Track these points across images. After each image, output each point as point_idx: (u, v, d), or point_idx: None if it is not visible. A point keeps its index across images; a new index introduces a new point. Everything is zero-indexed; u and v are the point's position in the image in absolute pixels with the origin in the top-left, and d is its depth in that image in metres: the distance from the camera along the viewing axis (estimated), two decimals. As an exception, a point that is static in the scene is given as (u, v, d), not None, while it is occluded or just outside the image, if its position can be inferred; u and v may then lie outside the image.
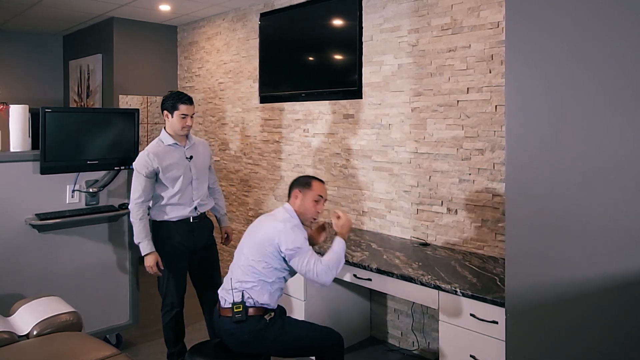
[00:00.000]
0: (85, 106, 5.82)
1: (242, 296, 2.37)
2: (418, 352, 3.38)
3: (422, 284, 2.51)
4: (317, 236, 2.72)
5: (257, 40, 4.54)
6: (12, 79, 6.03)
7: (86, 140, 3.18)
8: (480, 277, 2.53)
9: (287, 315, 2.70)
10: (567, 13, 1.79)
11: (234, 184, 4.93)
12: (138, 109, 3.43)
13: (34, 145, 3.17)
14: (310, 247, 2.44)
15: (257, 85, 4.59)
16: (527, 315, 1.92)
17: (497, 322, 2.22)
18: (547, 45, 1.84)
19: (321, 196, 2.53)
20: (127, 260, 3.48)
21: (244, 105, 4.78)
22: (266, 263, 2.38)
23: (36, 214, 3.09)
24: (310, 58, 4.10)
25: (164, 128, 3.03)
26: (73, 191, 3.26)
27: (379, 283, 2.76)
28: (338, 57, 3.86)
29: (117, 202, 3.41)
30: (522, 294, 1.93)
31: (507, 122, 1.98)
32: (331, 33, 3.89)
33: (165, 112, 2.99)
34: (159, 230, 2.98)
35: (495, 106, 2.93)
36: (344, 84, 3.77)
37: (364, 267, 2.79)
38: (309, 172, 4.07)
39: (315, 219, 2.57)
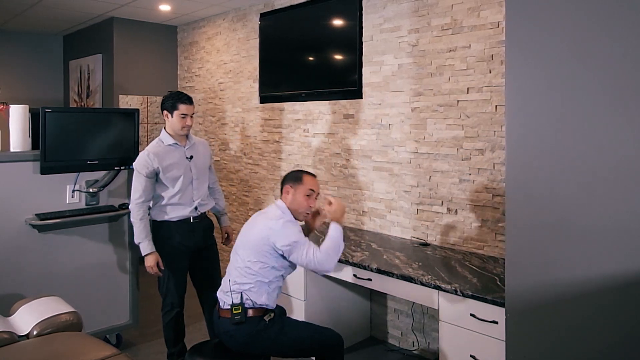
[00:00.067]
0: (85, 106, 5.82)
1: (241, 297, 2.36)
2: (418, 352, 3.38)
3: (422, 284, 2.51)
4: (313, 222, 2.66)
5: (257, 40, 4.54)
6: (12, 79, 6.03)
7: (86, 140, 3.18)
8: (481, 277, 2.53)
9: (287, 315, 2.70)
10: (567, 13, 1.79)
11: (234, 184, 4.93)
12: (138, 109, 3.43)
13: (34, 145, 3.17)
14: (307, 238, 2.42)
15: (257, 85, 4.59)
16: (527, 315, 1.92)
17: (497, 322, 2.22)
18: (547, 45, 1.84)
19: (313, 190, 2.50)
20: (127, 261, 3.48)
21: (244, 105, 4.78)
22: (262, 263, 2.37)
23: (36, 214, 3.09)
24: (311, 58, 4.10)
25: (164, 128, 3.04)
26: (73, 191, 3.26)
27: (379, 283, 2.76)
28: (338, 57, 3.86)
29: (117, 202, 3.41)
30: (522, 294, 1.93)
31: (507, 122, 1.98)
32: (331, 33, 3.89)
33: (165, 112, 2.99)
34: (160, 230, 2.98)
35: (496, 106, 2.93)
36: (344, 84, 3.77)
37: (364, 267, 2.79)
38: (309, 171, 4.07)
39: (308, 214, 2.54)
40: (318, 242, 3.26)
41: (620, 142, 1.68)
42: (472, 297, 2.31)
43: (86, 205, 3.30)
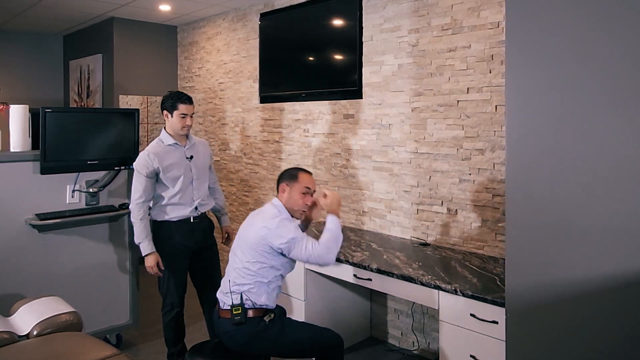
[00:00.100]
0: (86, 106, 5.82)
1: (241, 298, 2.36)
2: (418, 352, 3.38)
3: (422, 284, 2.51)
4: (310, 213, 2.64)
5: (257, 40, 4.54)
6: (12, 79, 6.03)
7: (86, 140, 3.18)
8: (481, 277, 2.53)
9: (287, 316, 2.70)
10: (567, 13, 1.79)
11: (234, 184, 4.93)
12: (138, 109, 3.43)
13: (34, 145, 3.17)
14: (304, 233, 2.42)
15: (257, 85, 4.59)
16: (527, 315, 1.92)
17: (497, 322, 2.22)
18: (547, 45, 1.84)
19: (308, 188, 2.48)
20: (127, 261, 3.48)
21: (244, 105, 4.78)
22: (261, 263, 2.37)
23: (36, 214, 3.09)
24: (311, 58, 4.10)
25: (164, 128, 3.04)
26: (73, 191, 3.26)
27: (379, 283, 2.76)
28: (338, 57, 3.86)
29: (118, 202, 3.41)
30: (522, 294, 1.93)
31: (507, 122, 1.98)
32: (331, 33, 3.89)
33: (165, 112, 2.99)
34: (160, 230, 2.98)
35: (496, 106, 2.93)
36: (344, 84, 3.77)
37: (364, 267, 2.79)
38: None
39: (304, 212, 2.53)
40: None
41: (620, 142, 1.68)
42: (472, 297, 2.31)
43: (86, 205, 3.30)
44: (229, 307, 2.36)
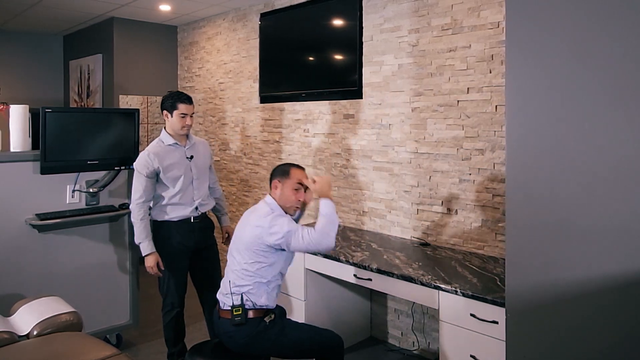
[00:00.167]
0: (86, 106, 5.83)
1: (241, 299, 2.36)
2: (418, 352, 3.38)
3: (422, 284, 2.51)
4: (305, 198, 2.57)
5: (258, 40, 4.54)
6: (13, 79, 6.03)
7: (86, 140, 3.18)
8: (481, 277, 2.53)
9: (288, 316, 2.70)
10: (567, 13, 1.79)
11: (234, 184, 4.93)
12: (138, 109, 3.43)
13: (34, 145, 3.17)
14: (299, 224, 2.40)
15: (257, 85, 4.59)
16: (527, 315, 1.92)
17: (497, 322, 2.22)
18: (547, 45, 1.84)
19: (300, 184, 2.46)
20: (127, 261, 3.48)
21: (244, 105, 4.78)
22: (260, 263, 2.36)
23: (36, 214, 3.09)
24: (311, 58, 4.10)
25: (164, 128, 3.04)
26: (73, 191, 3.26)
27: (379, 283, 2.76)
28: (338, 57, 3.86)
29: (118, 202, 3.41)
30: (522, 294, 1.93)
31: (507, 122, 1.98)
32: (331, 33, 3.89)
33: (165, 112, 2.99)
34: (160, 230, 2.98)
35: (496, 106, 2.93)
36: (344, 84, 3.77)
37: (364, 267, 2.78)
38: (309, 172, 4.07)
39: (298, 208, 2.50)
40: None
41: (620, 142, 1.68)
42: (472, 297, 2.31)
43: (86, 205, 3.30)
44: (230, 308, 2.36)
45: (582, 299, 1.78)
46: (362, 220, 3.72)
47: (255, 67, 4.60)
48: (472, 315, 2.32)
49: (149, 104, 5.47)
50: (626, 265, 1.68)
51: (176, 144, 3.00)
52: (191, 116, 3.00)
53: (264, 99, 4.55)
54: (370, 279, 2.79)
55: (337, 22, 3.84)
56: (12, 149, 3.15)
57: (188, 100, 2.99)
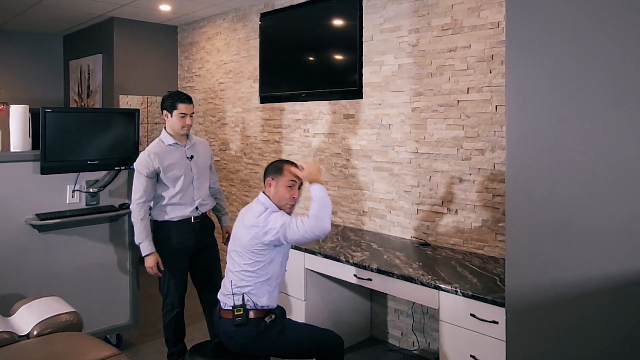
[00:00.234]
0: (86, 106, 5.83)
1: (242, 299, 2.36)
2: (418, 352, 3.38)
3: (422, 284, 2.51)
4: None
5: (258, 40, 4.54)
6: (13, 79, 6.03)
7: (86, 140, 3.18)
8: (481, 277, 2.53)
9: (288, 316, 2.69)
10: (567, 13, 1.79)
11: (235, 184, 4.93)
12: (138, 109, 3.43)
13: (34, 145, 3.17)
14: (292, 215, 2.38)
15: (257, 85, 4.59)
16: (527, 315, 1.92)
17: (497, 322, 2.22)
18: (547, 45, 1.84)
19: (294, 180, 2.43)
20: (127, 261, 3.48)
21: (244, 105, 4.78)
22: (259, 262, 2.35)
23: (36, 214, 3.09)
24: (311, 58, 4.10)
25: (164, 128, 3.04)
26: (73, 191, 3.26)
27: (380, 283, 2.76)
28: (338, 57, 3.86)
29: (118, 202, 3.41)
30: (522, 294, 1.93)
31: (507, 122, 1.98)
32: (331, 33, 3.89)
33: (165, 111, 3.00)
34: (160, 230, 2.98)
35: (496, 106, 2.93)
36: (344, 84, 3.77)
37: (365, 267, 2.79)
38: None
39: (293, 205, 2.47)
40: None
41: (620, 142, 1.68)
42: (473, 297, 2.31)
43: (86, 205, 3.30)
44: (231, 308, 2.35)
45: (582, 299, 1.78)
46: (362, 220, 3.72)
47: (255, 67, 4.60)
48: (472, 315, 2.32)
49: (149, 104, 5.47)
50: (626, 265, 1.68)
51: (176, 144, 3.00)
52: (191, 116, 3.00)
53: (264, 99, 4.55)
54: (370, 279, 2.79)
55: (337, 22, 3.84)
56: (12, 149, 3.15)
57: (188, 100, 2.99)
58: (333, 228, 3.71)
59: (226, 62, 4.98)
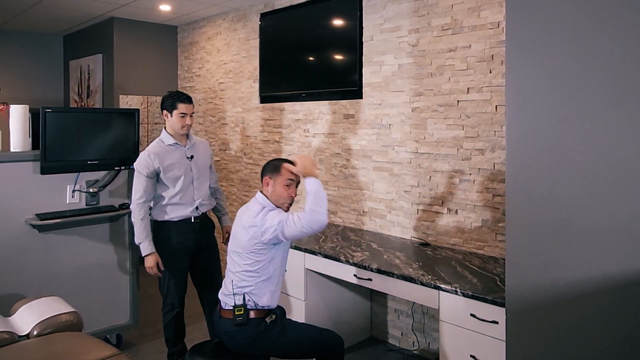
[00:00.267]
0: (86, 106, 5.83)
1: (243, 299, 2.36)
2: (418, 352, 3.38)
3: (422, 284, 2.51)
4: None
5: (258, 40, 4.54)
6: (13, 79, 6.03)
7: (86, 140, 3.18)
8: (481, 277, 2.53)
9: (288, 316, 2.69)
10: (567, 13, 1.79)
11: (235, 184, 4.93)
12: (138, 109, 3.43)
13: (34, 145, 3.17)
14: (289, 212, 2.38)
15: (257, 85, 4.59)
16: (528, 315, 1.92)
17: (497, 322, 2.22)
18: (547, 45, 1.84)
19: (292, 179, 2.42)
20: (127, 261, 3.48)
21: (244, 105, 4.78)
22: (259, 262, 2.35)
23: (36, 214, 3.09)
24: (311, 58, 4.10)
25: (165, 128, 3.04)
26: (73, 191, 3.26)
27: (380, 283, 2.76)
28: (338, 57, 3.86)
29: (118, 202, 3.41)
30: (522, 294, 1.93)
31: (507, 122, 1.98)
32: (331, 33, 3.89)
33: (165, 111, 3.00)
34: (161, 230, 2.98)
35: (496, 106, 2.93)
36: (344, 84, 3.77)
37: (365, 267, 2.78)
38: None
39: (290, 204, 2.46)
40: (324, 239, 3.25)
41: (620, 142, 1.68)
42: (473, 297, 2.31)
43: (86, 205, 3.30)
44: (231, 308, 2.35)
45: (582, 299, 1.78)
46: (362, 220, 3.72)
47: (255, 67, 4.60)
48: (472, 315, 2.32)
49: (149, 104, 5.47)
50: (626, 265, 1.68)
51: (176, 144, 3.00)
52: (191, 116, 3.00)
53: (264, 99, 4.55)
54: (370, 279, 2.79)
55: (337, 22, 3.84)
56: (12, 149, 3.15)
57: (188, 99, 2.99)
58: (333, 228, 3.72)
59: (226, 62, 4.98)
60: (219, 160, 5.09)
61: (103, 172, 3.33)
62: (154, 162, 2.88)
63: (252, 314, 2.35)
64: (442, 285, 2.43)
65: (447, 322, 2.44)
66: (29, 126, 3.20)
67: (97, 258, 3.35)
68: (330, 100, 3.92)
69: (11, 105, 3.20)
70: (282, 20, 4.30)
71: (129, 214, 3.16)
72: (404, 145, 3.42)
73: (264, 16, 4.45)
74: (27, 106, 3.21)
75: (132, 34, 5.39)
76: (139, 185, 2.89)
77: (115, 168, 3.28)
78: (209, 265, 3.12)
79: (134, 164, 2.94)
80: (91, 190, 3.29)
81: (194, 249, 3.04)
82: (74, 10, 4.96)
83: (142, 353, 3.40)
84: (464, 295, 2.34)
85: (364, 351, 3.46)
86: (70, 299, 2.83)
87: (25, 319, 2.45)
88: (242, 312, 2.33)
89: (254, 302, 2.36)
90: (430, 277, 2.54)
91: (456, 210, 3.14)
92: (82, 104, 5.95)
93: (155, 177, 2.92)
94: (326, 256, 3.00)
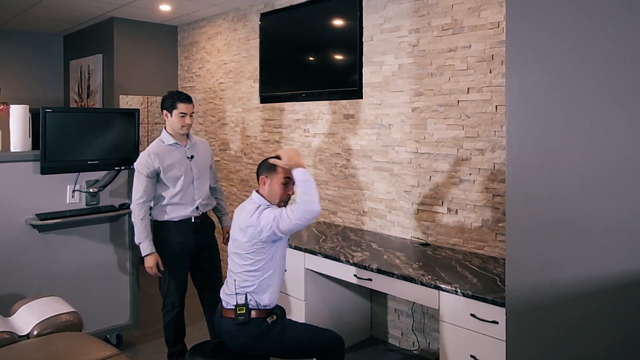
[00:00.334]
0: (86, 106, 5.83)
1: (245, 298, 2.36)
2: (418, 352, 3.38)
3: (422, 284, 2.51)
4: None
5: (258, 40, 4.54)
6: (13, 79, 6.03)
7: (86, 140, 3.18)
8: (481, 277, 2.53)
9: (288, 316, 2.69)
10: (567, 13, 1.79)
11: (235, 184, 4.93)
12: (138, 109, 3.43)
13: (35, 145, 3.17)
14: (282, 207, 2.37)
15: (257, 85, 4.59)
16: (528, 315, 1.92)
17: (497, 322, 2.22)
18: (547, 45, 1.84)
19: (289, 177, 2.40)
20: (127, 261, 3.49)
21: (244, 105, 4.78)
22: (261, 260, 2.35)
23: (36, 214, 3.09)
24: (311, 58, 4.10)
25: (165, 128, 3.04)
26: (73, 191, 3.26)
27: (380, 283, 2.76)
28: (338, 57, 3.86)
29: (118, 202, 3.41)
30: (522, 294, 1.93)
31: (507, 122, 1.98)
32: (332, 33, 3.89)
33: (165, 111, 3.00)
34: (161, 230, 2.98)
35: (496, 106, 2.93)
36: (345, 84, 3.77)
37: (365, 267, 2.78)
38: (310, 172, 4.06)
39: (287, 201, 2.46)
40: (319, 241, 3.26)
41: (620, 142, 1.68)
42: (473, 297, 2.31)
43: (86, 205, 3.30)
44: (233, 307, 2.35)
45: (582, 299, 1.78)
46: (362, 220, 3.72)
47: (256, 67, 4.60)
48: (472, 315, 2.32)
49: (149, 104, 5.47)
50: (626, 265, 1.68)
51: (177, 143, 3.00)
52: (191, 115, 3.00)
53: (264, 99, 4.55)
54: (370, 279, 2.79)
55: (337, 22, 3.84)
56: (12, 149, 3.15)
57: (187, 99, 2.99)
58: (333, 228, 3.72)
59: (226, 62, 4.98)
60: (219, 160, 5.09)
61: (103, 172, 3.33)
62: (154, 162, 2.88)
63: (253, 314, 2.35)
64: (442, 285, 2.43)
65: (447, 322, 2.44)
66: (29, 126, 3.20)
67: (97, 258, 3.35)
68: (330, 100, 3.92)
69: (11, 105, 3.20)
70: (282, 20, 4.30)
71: (129, 214, 3.16)
72: (404, 145, 3.42)
73: (264, 16, 4.45)
74: (27, 106, 3.21)
75: (132, 34, 5.39)
76: (139, 185, 2.89)
77: (115, 168, 3.28)
78: (209, 265, 3.12)
79: (134, 164, 2.94)
80: (91, 190, 3.29)
81: (194, 249, 3.04)
82: (74, 10, 4.96)
83: (142, 353, 3.40)
84: (464, 295, 2.34)
85: (364, 351, 3.46)
86: (70, 299, 2.83)
87: (25, 319, 2.45)
88: (244, 312, 2.33)
89: (256, 301, 2.36)
90: (430, 277, 2.54)
91: (456, 210, 3.14)
92: (82, 104, 5.95)
93: (156, 177, 2.92)
94: (326, 256, 3.00)
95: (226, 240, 3.29)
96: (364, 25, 3.64)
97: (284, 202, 2.44)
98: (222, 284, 2.53)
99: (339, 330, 3.02)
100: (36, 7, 4.79)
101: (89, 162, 3.18)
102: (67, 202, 3.23)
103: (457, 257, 2.92)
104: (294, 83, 4.21)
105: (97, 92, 5.63)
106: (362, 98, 3.68)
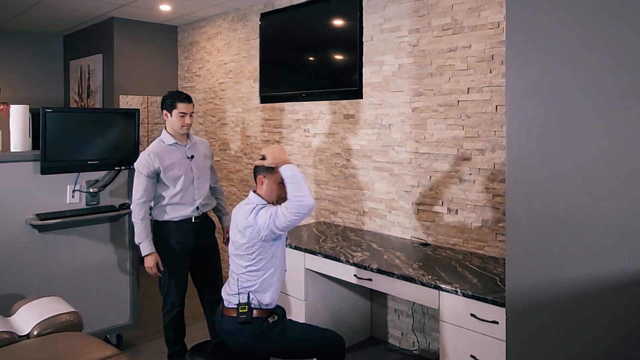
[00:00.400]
0: (86, 106, 5.83)
1: (248, 297, 2.36)
2: (418, 352, 3.38)
3: (422, 284, 2.51)
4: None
5: (258, 40, 4.54)
6: (13, 79, 6.03)
7: (87, 140, 3.18)
8: (481, 277, 2.53)
9: (288, 316, 2.69)
10: (567, 13, 1.79)
11: (235, 184, 4.93)
12: (138, 109, 3.43)
13: (35, 145, 3.17)
14: (276, 205, 2.37)
15: (257, 85, 4.59)
16: (528, 315, 1.92)
17: (497, 322, 2.22)
18: (548, 45, 1.84)
19: None
20: (127, 261, 3.48)
21: (244, 105, 4.78)
22: (262, 260, 2.35)
23: (36, 214, 3.09)
24: (311, 58, 4.10)
25: (165, 128, 3.04)
26: (73, 191, 3.26)
27: (380, 283, 2.76)
28: (338, 57, 3.86)
29: (118, 202, 3.41)
30: (522, 294, 1.93)
31: (507, 122, 1.98)
32: (332, 33, 3.89)
33: (165, 111, 3.00)
34: (161, 230, 2.98)
35: (496, 106, 2.93)
36: (345, 84, 3.77)
37: (365, 267, 2.79)
38: (310, 172, 4.08)
39: (285, 200, 2.42)
40: (318, 242, 3.26)
41: (620, 142, 1.68)
42: (473, 297, 2.31)
43: (86, 205, 3.30)
44: (235, 306, 2.36)
45: (582, 299, 1.78)
46: (362, 220, 3.72)
47: (256, 67, 4.60)
48: (472, 315, 2.32)
49: (149, 104, 5.47)
50: (626, 265, 1.68)
51: (177, 143, 3.00)
52: (191, 115, 3.00)
53: (264, 99, 4.55)
54: (370, 279, 2.79)
55: (338, 22, 3.84)
56: (12, 149, 3.15)
57: (187, 99, 2.99)
58: (333, 228, 3.72)
59: (226, 62, 4.98)
60: (219, 160, 5.09)
61: (103, 172, 3.33)
62: (154, 162, 2.88)
63: (255, 313, 2.35)
64: (443, 285, 2.43)
65: (447, 322, 2.44)
66: (29, 126, 3.20)
67: (97, 258, 3.35)
68: (331, 100, 3.92)
69: (11, 105, 3.20)
70: (282, 20, 4.30)
71: (129, 214, 3.16)
72: (404, 145, 3.42)
73: (264, 16, 4.45)
74: (27, 106, 3.21)
75: (132, 34, 5.39)
76: (139, 185, 2.89)
77: (116, 168, 3.28)
78: (209, 265, 3.12)
79: (134, 164, 2.94)
80: (91, 190, 3.29)
81: (195, 249, 3.04)
82: (74, 10, 4.96)
83: (142, 353, 3.40)
84: (464, 295, 2.34)
85: (364, 351, 3.46)
86: (70, 299, 2.83)
87: (26, 319, 2.45)
88: (246, 310, 2.33)
89: (258, 300, 2.36)
90: (430, 277, 2.54)
91: (456, 210, 3.14)
92: (82, 104, 5.95)
93: (156, 177, 2.92)
94: (326, 256, 3.00)
95: (226, 241, 3.28)
96: (364, 25, 3.64)
97: (282, 200, 2.43)
98: (222, 284, 2.53)
99: (339, 330, 3.02)
100: (36, 7, 4.79)
101: (89, 162, 3.18)
102: (67, 202, 3.23)
103: (457, 257, 2.92)
104: (294, 83, 4.21)
105: (97, 92, 5.63)
106: (362, 98, 3.68)
